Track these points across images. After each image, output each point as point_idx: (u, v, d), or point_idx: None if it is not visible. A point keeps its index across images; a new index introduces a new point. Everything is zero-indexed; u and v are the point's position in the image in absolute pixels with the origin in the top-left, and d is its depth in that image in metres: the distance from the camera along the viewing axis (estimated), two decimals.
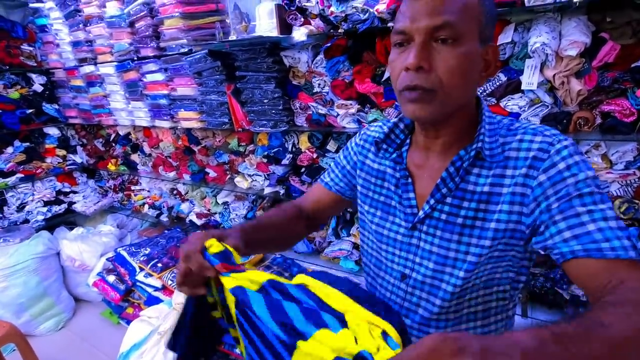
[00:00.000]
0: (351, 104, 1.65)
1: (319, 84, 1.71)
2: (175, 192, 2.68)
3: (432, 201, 0.65)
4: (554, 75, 1.21)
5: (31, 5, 2.70)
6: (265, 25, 1.73)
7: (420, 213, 0.67)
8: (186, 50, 1.96)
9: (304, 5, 1.59)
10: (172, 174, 2.55)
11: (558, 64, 1.21)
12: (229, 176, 2.28)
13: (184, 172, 2.47)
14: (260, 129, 1.89)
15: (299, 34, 1.59)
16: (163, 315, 1.78)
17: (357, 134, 0.85)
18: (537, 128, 0.62)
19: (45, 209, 2.91)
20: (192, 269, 0.60)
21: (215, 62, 1.88)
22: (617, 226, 0.53)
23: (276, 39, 1.68)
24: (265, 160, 2.06)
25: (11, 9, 2.83)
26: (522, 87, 1.26)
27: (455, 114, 0.64)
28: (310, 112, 1.80)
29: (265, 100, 1.81)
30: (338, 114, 1.70)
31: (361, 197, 0.80)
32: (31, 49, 2.82)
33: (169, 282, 2.06)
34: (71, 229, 2.84)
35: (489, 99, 1.34)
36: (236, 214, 2.32)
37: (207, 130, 2.22)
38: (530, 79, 1.24)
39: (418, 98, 0.58)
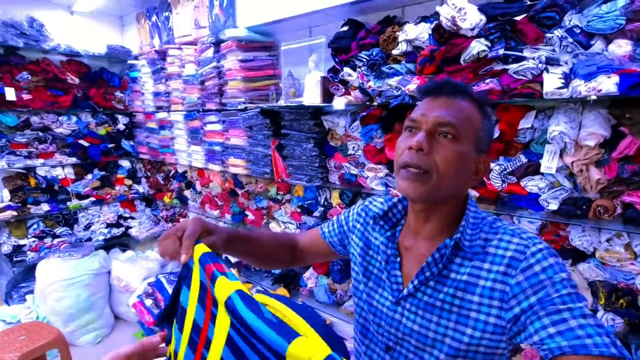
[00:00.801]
0: (380, 168, 1.78)
1: (353, 147, 1.87)
2: None
3: (415, 282, 0.71)
4: (572, 162, 1.25)
5: (129, 61, 3.27)
6: (311, 93, 1.96)
7: (405, 291, 0.73)
8: (242, 107, 2.25)
9: (346, 78, 1.80)
10: (216, 212, 2.80)
11: (577, 151, 1.25)
12: (265, 221, 2.46)
13: (227, 212, 2.70)
14: (297, 181, 2.07)
15: (339, 102, 1.79)
16: None
17: (361, 203, 0.93)
18: (515, 230, 0.68)
19: (106, 230, 3.29)
20: (172, 245, 0.67)
21: (265, 119, 2.13)
22: (595, 323, 0.56)
23: (317, 107, 1.89)
24: (299, 210, 2.21)
25: (114, 63, 3.45)
26: (541, 171, 1.30)
27: (445, 203, 0.72)
28: (343, 172, 1.95)
29: (303, 157, 2.00)
30: (368, 176, 1.83)
31: (357, 265, 0.85)
32: (122, 95, 3.37)
33: None
34: (124, 250, 3.15)
35: (509, 177, 1.39)
36: None
37: (251, 177, 2.45)
38: (549, 164, 1.29)
39: (413, 177, 0.68)
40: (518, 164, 1.37)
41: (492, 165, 1.42)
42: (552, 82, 1.22)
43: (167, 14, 2.75)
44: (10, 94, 2.79)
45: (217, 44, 2.35)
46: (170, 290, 2.40)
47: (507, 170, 1.39)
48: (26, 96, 2.88)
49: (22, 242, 2.93)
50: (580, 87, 1.15)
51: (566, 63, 1.24)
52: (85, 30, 3.27)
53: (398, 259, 0.77)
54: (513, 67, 1.29)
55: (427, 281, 0.70)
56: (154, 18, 2.91)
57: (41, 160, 2.99)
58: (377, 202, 0.90)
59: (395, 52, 1.62)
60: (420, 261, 0.73)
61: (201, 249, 0.65)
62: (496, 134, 1.38)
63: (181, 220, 3.25)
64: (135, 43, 3.28)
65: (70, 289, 2.59)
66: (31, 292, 2.79)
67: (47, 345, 1.98)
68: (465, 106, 0.69)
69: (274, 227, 2.35)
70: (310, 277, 2.17)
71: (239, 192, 2.59)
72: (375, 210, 0.86)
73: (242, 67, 2.22)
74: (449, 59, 1.44)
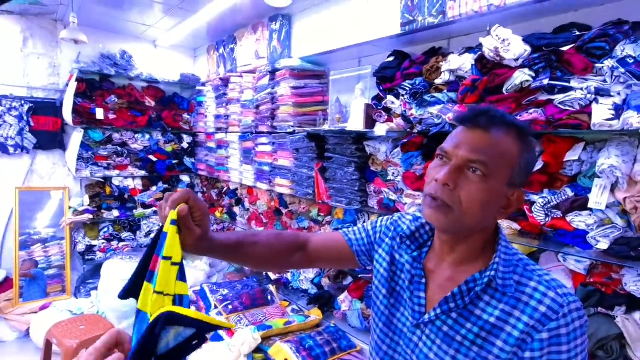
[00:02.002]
0: (419, 195, 1.77)
1: (393, 173, 1.89)
2: None
3: (438, 310, 0.70)
4: (625, 199, 1.16)
5: (197, 87, 3.64)
6: (356, 119, 2.04)
7: (426, 317, 0.72)
8: (291, 130, 2.39)
9: (389, 106, 1.85)
10: (261, 229, 2.93)
11: (631, 187, 1.16)
12: None
13: (270, 230, 2.81)
14: (337, 204, 2.12)
15: (380, 129, 1.85)
16: (218, 353, 1.98)
17: (391, 217, 0.91)
18: (550, 282, 0.65)
19: None
20: (169, 206, 0.66)
21: (311, 143, 2.24)
22: None
23: (358, 132, 1.96)
24: None
25: (185, 89, 3.87)
26: (590, 206, 1.22)
27: (471, 236, 0.70)
28: (382, 197, 1.96)
29: (344, 180, 2.06)
30: (406, 203, 1.83)
31: (381, 280, 0.84)
32: (188, 117, 3.74)
33: (234, 324, 2.28)
34: None
35: (554, 211, 1.32)
36: (305, 277, 2.50)
37: (295, 197, 2.55)
38: (598, 199, 1.20)
39: (436, 207, 0.68)
40: (564, 197, 1.30)
41: (536, 198, 1.36)
42: (601, 113, 1.17)
43: (232, 46, 3.06)
44: (100, 113, 3.25)
45: (273, 72, 2.55)
46: (212, 299, 2.53)
47: (552, 204, 1.32)
48: (112, 116, 3.32)
49: (94, 242, 3.30)
50: (633, 119, 1.09)
51: (618, 94, 1.19)
52: (165, 60, 3.73)
53: (423, 280, 0.75)
54: (559, 97, 1.26)
55: (450, 311, 0.69)
56: (221, 50, 3.24)
57: (117, 172, 3.39)
58: (406, 219, 0.87)
59: (438, 81, 1.65)
60: (445, 287, 0.72)
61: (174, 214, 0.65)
62: (540, 165, 1.33)
63: None
64: (204, 71, 3.66)
65: None
66: (95, 288, 3.09)
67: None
68: (501, 140, 0.65)
69: None
70: (344, 300, 2.17)
71: (284, 211, 2.70)
72: (404, 228, 0.84)
73: (294, 94, 2.38)
74: (491, 89, 1.44)
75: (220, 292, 2.59)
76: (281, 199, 2.69)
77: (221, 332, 2.34)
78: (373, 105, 1.95)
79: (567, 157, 1.29)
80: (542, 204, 1.33)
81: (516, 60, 1.36)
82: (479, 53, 1.48)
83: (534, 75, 1.32)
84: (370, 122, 1.97)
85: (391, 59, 1.91)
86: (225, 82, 3.13)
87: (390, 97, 1.82)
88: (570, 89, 1.24)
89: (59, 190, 3.34)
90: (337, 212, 2.27)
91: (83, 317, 2.41)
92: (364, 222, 2.11)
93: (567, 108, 1.24)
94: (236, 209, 3.30)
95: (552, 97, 1.28)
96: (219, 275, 3.36)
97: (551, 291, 0.64)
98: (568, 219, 1.29)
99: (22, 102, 3.11)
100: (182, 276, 0.64)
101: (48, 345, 2.19)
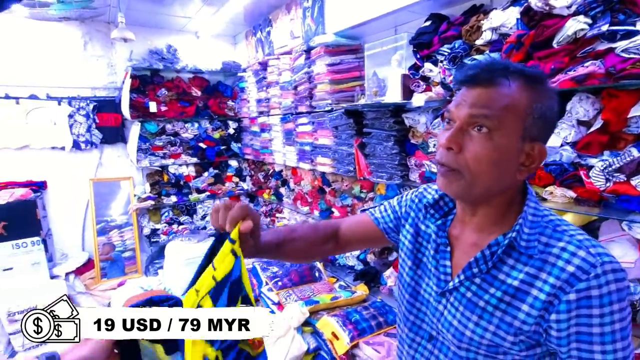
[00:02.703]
0: None
1: (434, 145, 1.81)
2: None
3: (462, 276, 0.68)
4: None
5: (239, 74, 3.74)
6: (393, 91, 1.97)
7: (450, 284, 0.70)
8: (329, 108, 2.38)
9: (427, 74, 1.76)
10: (306, 209, 2.99)
11: None
12: None
13: (315, 209, 2.86)
14: (378, 179, 2.09)
15: (418, 99, 1.76)
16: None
17: (416, 189, 0.90)
18: (583, 241, 0.60)
19: None
20: (225, 216, 0.67)
21: (349, 119, 2.21)
22: None
23: (395, 105, 1.89)
24: None
25: (228, 77, 3.99)
26: None
27: (491, 198, 0.67)
28: (424, 170, 1.89)
29: (384, 155, 2.01)
30: None
31: (406, 252, 0.84)
32: (232, 103, 3.87)
33: (284, 299, 2.38)
34: None
35: (616, 175, 1.18)
36: (351, 253, 2.52)
37: (337, 175, 2.55)
38: None
39: (444, 173, 0.66)
40: (628, 158, 1.15)
41: (594, 161, 1.23)
42: None
43: (268, 29, 3.07)
44: (153, 107, 3.48)
45: (308, 51, 2.53)
46: (263, 277, 2.66)
47: (614, 167, 1.18)
48: (163, 108, 3.54)
49: (157, 226, 3.61)
50: None
51: None
52: (207, 50, 3.86)
53: (448, 249, 0.74)
54: (621, 44, 1.11)
55: (473, 277, 0.67)
56: (258, 34, 3.27)
57: (172, 160, 3.64)
58: (432, 188, 0.86)
59: (478, 42, 1.53)
60: (468, 252, 0.70)
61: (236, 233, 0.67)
62: (599, 124, 1.19)
63: (277, 215, 3.55)
64: (244, 58, 3.73)
65: (188, 267, 3.08)
66: (161, 267, 3.40)
67: None
68: (506, 92, 0.61)
69: None
70: (390, 276, 2.16)
71: (327, 189, 2.72)
72: (428, 197, 0.83)
73: (330, 71, 2.34)
74: (540, 44, 1.30)
75: (270, 270, 2.71)
76: (324, 178, 2.71)
77: (272, 307, 2.47)
78: (410, 75, 1.86)
79: (631, 112, 1.14)
80: (602, 168, 1.19)
81: (568, 7, 1.21)
82: (525, 5, 1.34)
83: (590, 22, 1.17)
84: (408, 93, 1.89)
85: (428, 23, 1.79)
86: (264, 65, 3.17)
87: (427, 65, 1.72)
88: (636, 32, 1.09)
89: (125, 180, 3.67)
90: (379, 188, 2.24)
91: (152, 293, 2.66)
92: None
93: (632, 56, 1.09)
94: (282, 190, 3.39)
95: (613, 45, 1.13)
96: None
97: (582, 250, 0.59)
98: (633, 182, 1.15)
99: (88, 101, 3.42)
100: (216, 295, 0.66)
101: None
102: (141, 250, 3.66)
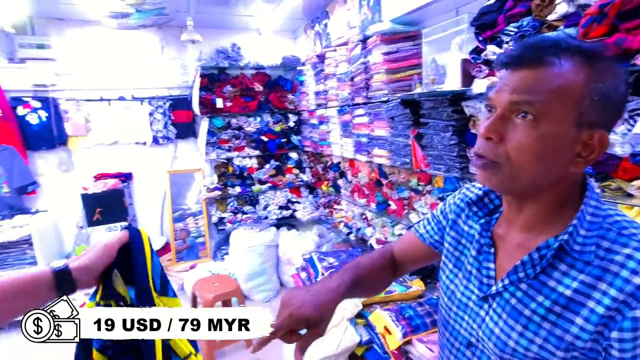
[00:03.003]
0: None
1: None
2: (363, 216, 3.08)
3: (506, 281, 0.62)
4: None
5: (298, 68, 3.81)
6: (452, 78, 1.85)
7: (493, 289, 0.65)
8: (385, 98, 2.31)
9: (490, 57, 1.62)
10: (363, 201, 2.96)
11: None
12: (406, 211, 2.46)
13: (372, 201, 2.82)
14: (435, 171, 1.99)
15: (479, 85, 1.63)
16: None
17: (459, 191, 0.84)
18: None
19: (278, 211, 3.95)
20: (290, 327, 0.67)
21: (405, 109, 2.13)
22: None
23: (453, 92, 1.77)
24: (439, 201, 2.12)
25: (288, 71, 4.09)
26: None
27: (540, 193, 0.59)
28: None
29: (441, 146, 1.91)
30: None
31: (447, 255, 0.79)
32: (292, 97, 3.96)
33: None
34: (289, 229, 3.72)
35: None
36: None
37: (394, 167, 2.49)
38: None
39: (482, 166, 0.59)
40: None
41: None
42: None
43: (325, 21, 3.07)
44: (219, 103, 3.71)
45: (364, 40, 2.48)
46: (319, 267, 2.71)
47: None
48: (228, 104, 3.76)
49: (223, 215, 3.86)
50: None
51: None
52: (267, 45, 3.99)
53: (492, 250, 0.68)
54: None
55: (519, 282, 0.61)
56: (316, 27, 3.29)
57: (236, 153, 3.85)
58: (476, 186, 0.79)
59: (551, 17, 1.36)
60: (515, 255, 0.64)
61: None
62: None
63: (335, 207, 3.58)
64: (303, 51, 3.79)
65: (250, 255, 3.26)
66: (227, 253, 3.65)
67: (230, 293, 2.59)
68: (556, 73, 0.53)
69: (414, 218, 2.32)
70: None
71: (384, 181, 2.67)
72: (471, 195, 0.77)
73: (386, 60, 2.28)
74: (627, 13, 1.12)
75: (327, 261, 2.75)
76: (381, 170, 2.66)
77: None
78: (471, 60, 1.72)
79: None
80: None
81: None
82: None
83: None
84: (468, 79, 1.75)
85: (492, 1, 1.64)
86: (322, 58, 3.18)
87: (491, 47, 1.58)
88: None
89: (196, 171, 3.99)
90: (437, 181, 2.14)
91: (217, 277, 2.88)
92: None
93: None
94: (340, 182, 3.41)
95: None
96: (328, 245, 3.57)
97: None
98: None
99: (165, 100, 3.77)
100: None
101: (194, 296, 2.71)
102: (210, 237, 3.97)
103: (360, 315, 2.08)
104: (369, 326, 2.01)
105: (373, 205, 2.82)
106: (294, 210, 3.98)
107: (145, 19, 2.52)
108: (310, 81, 3.51)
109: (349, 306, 2.08)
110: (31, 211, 3.30)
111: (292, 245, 3.36)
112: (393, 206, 2.59)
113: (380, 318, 1.92)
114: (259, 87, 3.86)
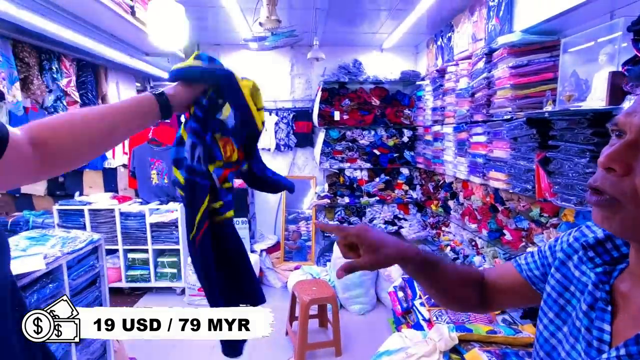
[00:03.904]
0: None
1: None
2: (473, 243, 2.81)
3: (622, 350, 0.50)
4: None
5: (417, 82, 3.74)
6: (597, 94, 1.57)
7: (604, 356, 0.52)
8: (508, 117, 2.09)
9: None
10: (474, 226, 2.71)
11: None
12: (523, 244, 2.15)
13: (484, 227, 2.56)
14: (563, 203, 1.70)
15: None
16: (415, 341, 2.02)
17: (576, 228, 0.69)
18: None
19: (383, 226, 3.91)
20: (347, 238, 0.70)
21: (531, 129, 1.88)
22: None
23: (599, 111, 1.48)
24: None
25: (406, 86, 4.05)
26: None
27: None
28: None
29: (573, 174, 1.62)
30: None
31: (548, 300, 0.67)
32: (409, 112, 3.90)
33: (434, 318, 2.25)
34: None
35: None
36: None
37: (513, 193, 2.21)
38: None
39: (598, 203, 0.49)
40: None
41: None
42: None
43: (449, 34, 2.95)
44: (337, 115, 3.91)
45: (489, 54, 2.29)
46: (417, 289, 2.59)
47: None
48: (345, 117, 3.93)
49: (331, 222, 4.02)
50: None
51: None
52: (388, 61, 4.04)
53: (609, 308, 0.55)
54: None
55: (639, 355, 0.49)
56: (439, 41, 3.18)
57: (348, 164, 3.98)
58: (595, 226, 0.65)
59: None
60: (637, 318, 0.51)
61: None
62: None
63: (443, 229, 3.36)
64: (424, 66, 3.70)
65: None
66: (329, 260, 3.78)
67: (326, 299, 2.68)
68: None
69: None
70: None
71: (500, 208, 2.40)
72: (589, 236, 0.63)
73: (512, 74, 2.06)
74: None
75: None
76: (497, 195, 2.40)
77: (422, 323, 2.37)
78: (624, 73, 1.43)
79: None
80: None
81: None
82: None
83: None
84: (618, 95, 1.46)
85: None
86: (442, 73, 3.06)
87: None
88: None
89: (310, 178, 4.28)
90: (566, 214, 1.81)
91: (317, 281, 3.01)
92: None
93: None
94: (451, 203, 3.19)
95: None
96: None
97: None
98: None
99: (289, 112, 4.17)
100: None
101: (293, 296, 2.89)
102: (316, 242, 4.18)
103: (455, 350, 1.91)
104: None
105: (485, 232, 2.55)
106: (400, 227, 3.88)
107: (278, 41, 2.84)
108: (429, 97, 3.40)
109: (444, 337, 1.93)
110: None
111: None
112: (508, 236, 2.30)
113: (478, 358, 1.72)
114: (375, 101, 3.93)
